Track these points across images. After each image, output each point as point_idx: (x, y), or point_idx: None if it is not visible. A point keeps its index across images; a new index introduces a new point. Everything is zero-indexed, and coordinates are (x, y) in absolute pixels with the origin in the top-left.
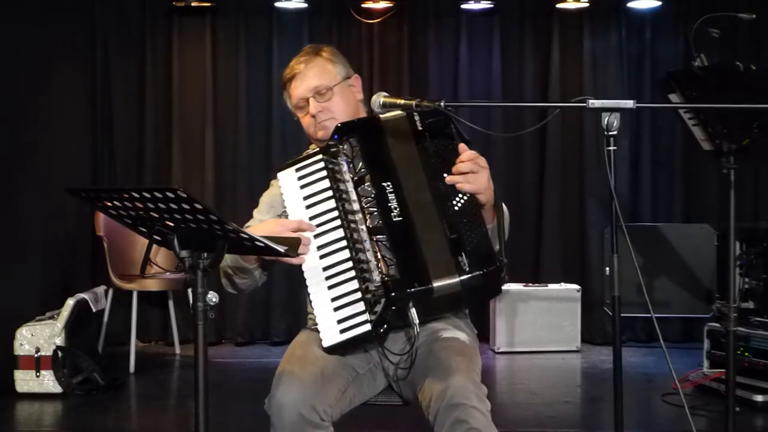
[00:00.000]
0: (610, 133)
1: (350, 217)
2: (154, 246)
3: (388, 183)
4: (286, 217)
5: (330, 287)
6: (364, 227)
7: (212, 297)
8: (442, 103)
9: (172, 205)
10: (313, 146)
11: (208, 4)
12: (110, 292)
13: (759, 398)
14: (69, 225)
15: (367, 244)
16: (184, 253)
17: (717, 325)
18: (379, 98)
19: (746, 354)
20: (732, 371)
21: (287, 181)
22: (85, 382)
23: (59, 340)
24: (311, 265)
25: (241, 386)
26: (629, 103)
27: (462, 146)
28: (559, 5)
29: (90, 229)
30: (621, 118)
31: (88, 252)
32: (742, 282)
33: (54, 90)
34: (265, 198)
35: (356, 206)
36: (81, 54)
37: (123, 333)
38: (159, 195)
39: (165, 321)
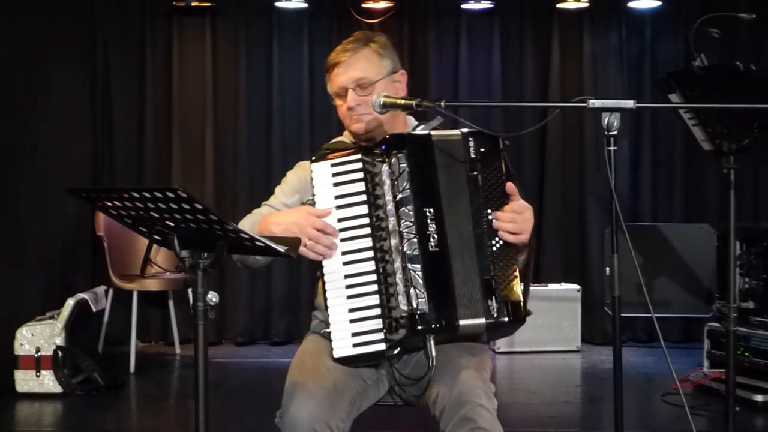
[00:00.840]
0: (610, 133)
1: (381, 224)
2: (154, 246)
3: (430, 209)
4: (312, 205)
5: (350, 297)
6: (396, 245)
7: (212, 297)
8: (442, 103)
9: (172, 205)
10: (347, 133)
11: (208, 4)
12: (110, 292)
13: (759, 398)
14: (69, 225)
15: (398, 266)
16: (184, 253)
17: (717, 325)
18: (380, 98)
19: (746, 354)
20: (732, 371)
21: (320, 173)
22: (85, 382)
23: (59, 340)
24: (333, 269)
25: (241, 386)
26: (629, 103)
27: (510, 186)
28: (559, 5)
29: (90, 229)
30: (621, 118)
31: (88, 252)
32: (742, 282)
33: (54, 90)
34: (293, 180)
35: (392, 223)
36: (81, 54)
37: (123, 333)
38: (159, 195)
39: (165, 321)
